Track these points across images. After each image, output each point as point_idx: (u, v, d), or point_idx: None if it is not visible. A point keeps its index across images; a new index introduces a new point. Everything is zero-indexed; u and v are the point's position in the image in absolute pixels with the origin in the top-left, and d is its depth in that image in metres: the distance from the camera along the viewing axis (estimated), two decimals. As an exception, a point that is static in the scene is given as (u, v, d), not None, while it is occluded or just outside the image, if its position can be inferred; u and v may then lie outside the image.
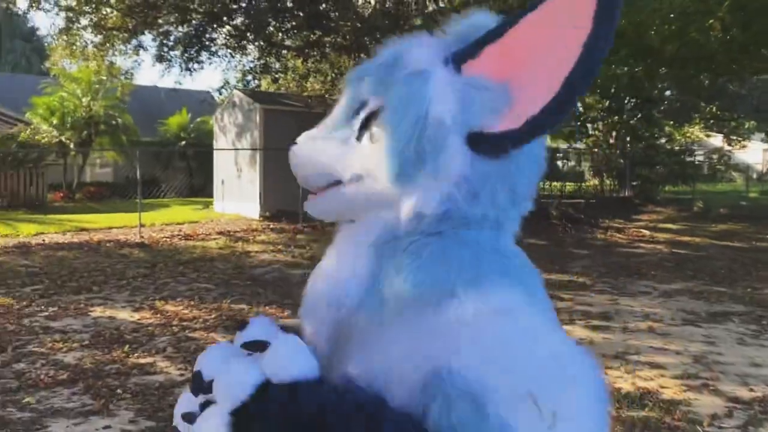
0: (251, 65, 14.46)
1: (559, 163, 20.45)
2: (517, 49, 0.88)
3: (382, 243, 0.94)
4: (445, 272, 0.88)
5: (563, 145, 20.77)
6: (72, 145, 20.79)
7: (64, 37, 16.31)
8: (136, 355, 5.05)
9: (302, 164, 1.03)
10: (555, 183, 18.61)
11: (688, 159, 21.36)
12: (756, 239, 12.04)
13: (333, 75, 12.67)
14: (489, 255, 0.91)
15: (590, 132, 19.76)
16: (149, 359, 4.95)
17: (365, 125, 0.96)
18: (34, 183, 17.11)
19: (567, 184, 18.99)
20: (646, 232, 12.61)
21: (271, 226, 12.35)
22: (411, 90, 0.91)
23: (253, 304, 6.77)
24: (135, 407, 4.01)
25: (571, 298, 7.28)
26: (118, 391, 4.27)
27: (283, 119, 13.16)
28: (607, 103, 18.08)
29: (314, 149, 1.02)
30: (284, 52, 13.69)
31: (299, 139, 1.04)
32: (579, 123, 18.39)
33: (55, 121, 20.61)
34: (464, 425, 0.77)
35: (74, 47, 15.59)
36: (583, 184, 19.98)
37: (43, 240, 10.51)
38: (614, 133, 18.98)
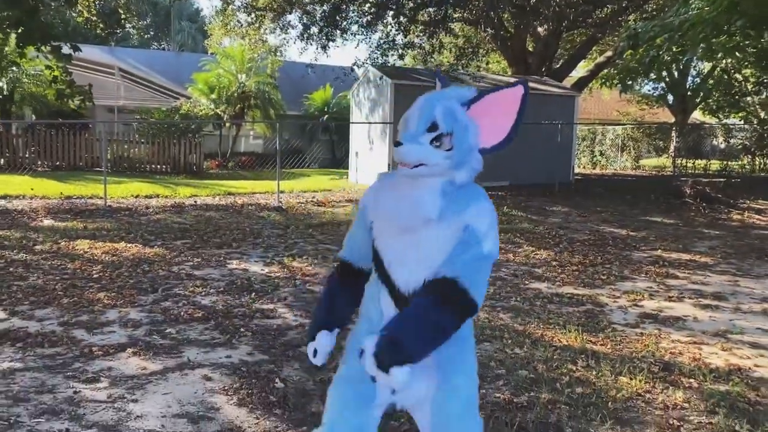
0: (380, 42, 14.96)
1: (716, 141, 19.22)
2: (482, 109, 1.99)
3: (446, 189, 1.95)
4: (474, 195, 1.99)
5: (711, 121, 19.42)
6: (226, 118, 22.55)
7: (221, 18, 17.77)
8: (260, 301, 5.73)
9: (407, 155, 1.94)
10: (699, 161, 17.52)
11: None
12: None
13: (457, 51, 12.84)
14: (479, 188, 2.02)
15: (743, 106, 18.29)
16: (271, 306, 5.61)
17: (436, 138, 1.93)
18: (193, 152, 18.89)
19: (712, 162, 17.79)
20: (791, 215, 11.69)
21: (398, 196, 12.84)
22: (468, 127, 1.96)
23: (369, 265, 7.29)
24: (253, 343, 4.64)
25: (687, 277, 7.12)
26: (242, 329, 4.94)
27: (412, 93, 13.49)
28: (761, 77, 16.65)
29: (412, 148, 1.93)
30: (413, 27, 14.05)
31: (405, 144, 1.94)
32: (730, 96, 17.10)
33: (213, 96, 22.46)
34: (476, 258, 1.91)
35: (228, 27, 16.94)
36: (730, 162, 18.60)
37: (195, 201, 11.79)
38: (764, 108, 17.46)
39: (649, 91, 28.44)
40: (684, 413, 3.57)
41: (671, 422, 3.44)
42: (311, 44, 14.27)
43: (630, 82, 11.01)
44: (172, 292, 5.98)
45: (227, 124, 22.95)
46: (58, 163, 17.24)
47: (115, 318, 5.12)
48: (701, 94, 24.98)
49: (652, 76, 13.00)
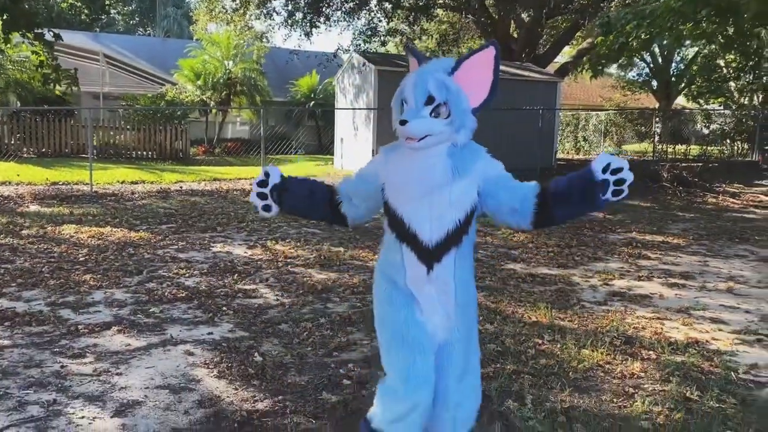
0: (363, 29, 15.08)
1: (698, 126, 19.50)
2: (464, 75, 2.22)
3: (451, 151, 2.24)
4: (478, 150, 2.32)
5: (691, 106, 19.72)
6: (212, 104, 22.57)
7: (206, 3, 17.75)
8: (243, 282, 5.91)
9: (414, 131, 2.18)
10: (680, 146, 17.80)
11: None
12: None
13: (438, 37, 12.99)
14: (478, 145, 2.33)
15: (722, 92, 18.58)
16: (253, 286, 5.78)
17: (435, 109, 2.18)
18: (179, 138, 18.93)
19: (693, 147, 18.08)
20: (764, 198, 11.99)
21: (382, 182, 13.04)
22: (459, 93, 2.19)
23: (349, 246, 7.49)
24: (234, 321, 4.81)
25: (659, 258, 7.36)
26: (224, 308, 5.11)
27: (395, 79, 13.64)
28: (741, 63, 16.90)
29: (417, 123, 2.17)
30: (396, 13, 14.16)
31: (410, 122, 2.18)
32: (710, 82, 17.37)
33: (198, 82, 22.45)
34: (508, 187, 2.28)
35: (213, 12, 16.95)
36: (709, 147, 18.90)
37: (181, 187, 11.91)
38: (747, 94, 17.75)
39: (633, 76, 28.70)
40: (640, 381, 3.79)
41: (627, 390, 3.66)
42: (295, 30, 14.35)
43: (600, 68, 11.26)
44: (157, 273, 6.14)
45: (213, 111, 22.97)
46: (43, 150, 17.26)
47: (101, 298, 5.28)
48: (685, 79, 25.28)
49: (621, 62, 13.22)
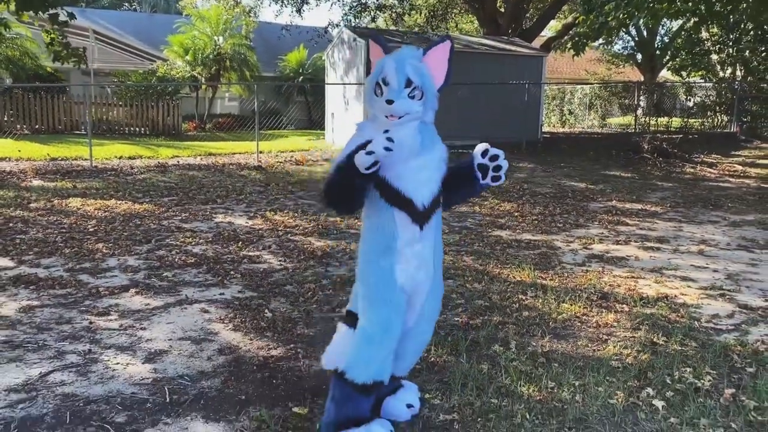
0: (353, 5, 15.29)
1: (681, 99, 19.91)
2: (429, 62, 2.60)
3: (422, 128, 2.60)
4: (435, 131, 2.70)
5: (673, 79, 20.13)
6: (202, 80, 22.68)
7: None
8: (247, 249, 6.29)
9: (399, 110, 2.52)
10: (662, 119, 18.26)
11: None
12: None
13: (428, 13, 13.27)
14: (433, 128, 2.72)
15: (703, 66, 19.00)
16: (257, 253, 6.17)
17: (412, 91, 2.53)
18: (170, 114, 19.12)
19: (674, 119, 18.54)
20: (739, 168, 12.48)
21: (373, 155, 13.40)
22: (431, 79, 2.59)
23: (344, 218, 7.87)
24: (243, 283, 5.21)
25: (636, 224, 7.81)
26: (232, 272, 5.50)
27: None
28: (723, 36, 17.29)
29: (402, 103, 2.52)
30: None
31: (396, 101, 2.52)
32: (692, 56, 17.76)
33: (188, 58, 22.52)
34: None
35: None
36: (690, 119, 19.38)
37: (178, 162, 12.21)
38: (728, 67, 18.18)
39: (618, 50, 29.02)
40: (613, 330, 4.24)
41: (600, 336, 4.11)
42: (286, 6, 14.54)
43: (582, 47, 11.66)
44: (165, 242, 6.51)
45: (204, 87, 23.10)
46: (37, 127, 17.42)
47: (115, 265, 5.65)
48: (669, 53, 25.66)
49: (601, 40, 13.57)
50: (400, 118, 2.53)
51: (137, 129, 18.41)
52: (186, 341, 3.95)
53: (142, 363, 3.61)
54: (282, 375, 3.48)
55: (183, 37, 22.83)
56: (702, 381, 3.44)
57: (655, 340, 4.05)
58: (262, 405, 3.11)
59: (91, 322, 4.24)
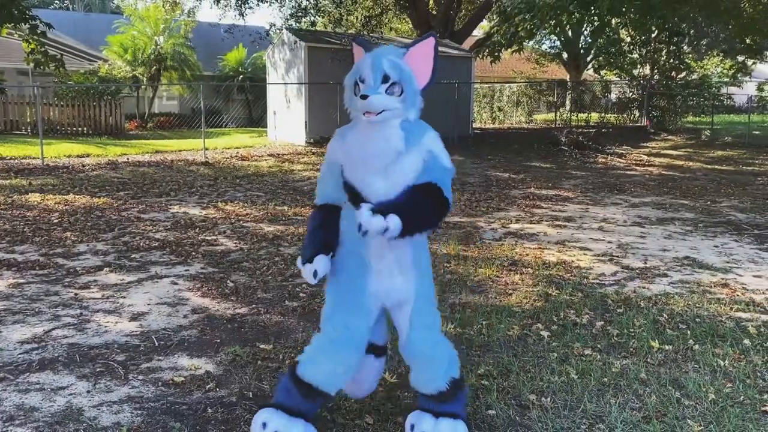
0: (293, 11, 16.02)
1: (600, 96, 21.43)
2: (411, 61, 2.51)
3: (403, 126, 2.48)
4: (424, 127, 2.57)
5: (591, 78, 21.69)
6: (143, 80, 22.89)
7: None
8: (204, 234, 7.01)
9: (375, 105, 2.41)
10: (582, 114, 19.72)
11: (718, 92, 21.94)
12: (745, 163, 13.20)
13: (363, 18, 14.14)
14: (425, 123, 2.61)
15: (619, 65, 20.57)
16: (213, 237, 6.89)
17: (389, 87, 2.43)
18: (113, 113, 19.34)
19: (592, 114, 20.05)
20: (645, 158, 13.88)
21: (314, 150, 14.22)
22: (411, 75, 2.49)
23: (292, 206, 8.66)
24: (204, 261, 5.94)
25: (549, 207, 8.89)
26: (193, 253, 6.21)
27: (325, 55, 14.79)
28: (636, 38, 18.83)
29: (376, 98, 2.40)
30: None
31: (371, 96, 2.40)
32: (609, 55, 19.24)
33: (128, 58, 22.69)
34: (443, 170, 2.52)
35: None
36: (606, 115, 20.97)
37: (128, 159, 12.69)
38: (640, 66, 19.80)
39: (546, 49, 30.60)
40: (517, 286, 5.20)
41: (507, 291, 5.06)
42: (228, 11, 15.14)
43: (497, 54, 12.85)
44: (127, 230, 7.15)
45: (144, 86, 23.31)
46: (-26, 128, 17.42)
47: (86, 249, 6.29)
48: (592, 52, 27.39)
49: (514, 48, 14.75)
50: (377, 114, 2.42)
51: (80, 129, 18.58)
52: (163, 305, 4.68)
53: (129, 321, 4.33)
54: (249, 325, 4.27)
55: (123, 37, 22.99)
56: (580, 318, 4.42)
57: (549, 292, 5.02)
58: (235, 345, 3.90)
59: (76, 294, 4.91)
